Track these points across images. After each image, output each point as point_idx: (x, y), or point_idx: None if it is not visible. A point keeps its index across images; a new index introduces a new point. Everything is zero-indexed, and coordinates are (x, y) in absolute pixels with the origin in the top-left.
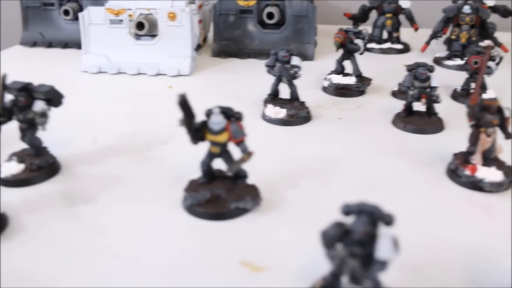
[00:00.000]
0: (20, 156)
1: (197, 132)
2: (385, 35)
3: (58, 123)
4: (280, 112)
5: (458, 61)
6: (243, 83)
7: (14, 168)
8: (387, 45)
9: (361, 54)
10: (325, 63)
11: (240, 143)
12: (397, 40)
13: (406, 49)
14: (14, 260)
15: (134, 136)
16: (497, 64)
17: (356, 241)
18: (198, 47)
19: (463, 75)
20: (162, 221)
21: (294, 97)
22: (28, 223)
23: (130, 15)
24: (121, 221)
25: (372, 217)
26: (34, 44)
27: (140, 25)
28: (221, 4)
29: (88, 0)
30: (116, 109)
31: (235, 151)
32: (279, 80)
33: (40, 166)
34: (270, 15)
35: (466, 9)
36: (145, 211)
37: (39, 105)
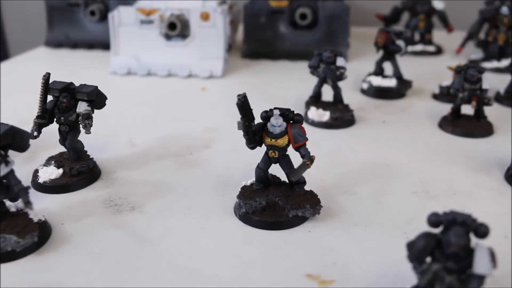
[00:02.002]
0: (58, 161)
1: (255, 135)
2: (417, 36)
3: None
4: (324, 115)
5: (495, 63)
6: (278, 85)
7: (53, 173)
8: (420, 47)
9: (402, 55)
10: (359, 65)
11: (301, 147)
12: (430, 42)
13: (439, 51)
14: (61, 272)
15: (172, 140)
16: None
17: (451, 255)
18: (228, 48)
19: (501, 78)
20: (216, 230)
21: (338, 99)
22: (72, 233)
23: (161, 16)
24: (172, 231)
25: (466, 228)
26: (59, 45)
27: (172, 26)
28: (253, 5)
29: (115, 0)
30: (150, 112)
31: (293, 156)
32: (323, 81)
33: (80, 171)
34: (303, 16)
35: (504, 10)
36: (196, 220)
37: (83, 107)
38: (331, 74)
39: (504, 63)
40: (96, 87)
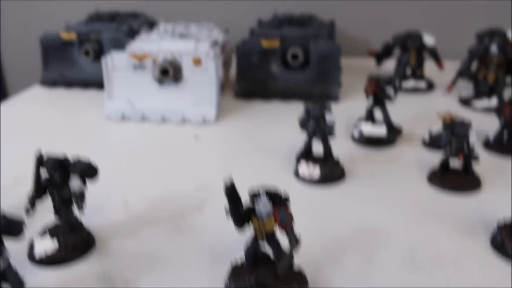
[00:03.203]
0: (53, 231)
1: (243, 217)
2: (408, 70)
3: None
4: (315, 171)
5: (486, 102)
6: (271, 131)
7: (49, 246)
8: (411, 82)
9: (392, 102)
10: (351, 104)
11: (287, 229)
12: (421, 77)
13: (430, 86)
14: None
15: (166, 201)
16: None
17: None
18: (222, 88)
19: (492, 118)
20: None
21: (328, 154)
22: None
23: (153, 59)
24: None
25: None
26: (54, 84)
27: (164, 72)
28: (244, 45)
29: (109, 41)
30: (144, 164)
31: None
32: (312, 137)
33: (75, 244)
34: (295, 56)
35: (494, 49)
36: None
37: (76, 184)
38: (320, 131)
39: (494, 101)
40: (89, 162)
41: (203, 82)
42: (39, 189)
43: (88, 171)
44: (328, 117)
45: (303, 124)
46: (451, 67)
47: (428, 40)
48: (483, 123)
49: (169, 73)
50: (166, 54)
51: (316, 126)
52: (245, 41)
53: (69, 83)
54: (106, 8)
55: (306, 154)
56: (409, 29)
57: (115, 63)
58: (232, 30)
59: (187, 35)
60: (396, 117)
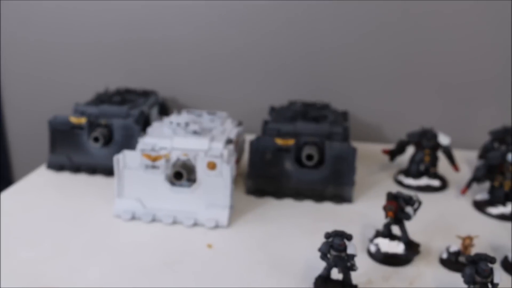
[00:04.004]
0: None
1: None
2: (422, 167)
3: None
4: None
5: (501, 208)
6: (287, 241)
7: None
8: (424, 180)
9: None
10: (365, 207)
11: None
12: (435, 175)
13: (444, 185)
14: None
15: None
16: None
17: None
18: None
19: (506, 227)
20: None
21: (347, 283)
22: None
23: (165, 156)
24: None
25: None
26: (61, 168)
27: (178, 175)
28: (258, 141)
29: (119, 128)
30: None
31: None
32: (332, 267)
33: None
34: (310, 157)
35: (510, 158)
36: None
37: None
38: (341, 264)
39: (509, 208)
40: None
41: (217, 186)
42: None
43: None
44: (350, 249)
45: (324, 255)
46: (465, 158)
47: (443, 140)
48: (503, 239)
49: (183, 176)
50: (179, 154)
51: (337, 259)
52: (259, 138)
53: (77, 168)
54: (115, 83)
55: (325, 280)
56: (424, 127)
57: (127, 162)
58: (243, 114)
59: (201, 130)
60: (411, 224)
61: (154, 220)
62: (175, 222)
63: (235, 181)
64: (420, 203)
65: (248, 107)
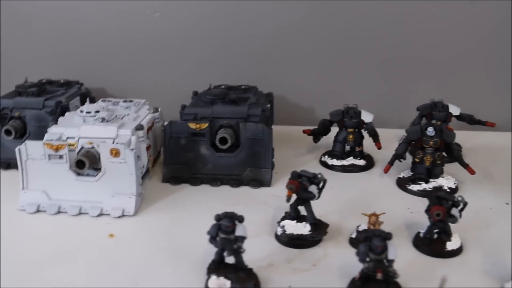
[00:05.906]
0: None
1: None
2: (347, 147)
3: None
4: (224, 286)
5: (423, 185)
6: (194, 226)
7: None
8: (350, 160)
9: (316, 199)
10: (284, 189)
11: None
12: (360, 155)
13: (369, 164)
14: None
15: None
16: (461, 210)
17: None
18: (146, 173)
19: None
20: None
21: (240, 266)
22: None
23: (71, 145)
24: None
25: None
26: None
27: (80, 163)
28: (172, 127)
29: (32, 119)
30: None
31: None
32: (222, 251)
33: None
34: (223, 140)
35: (430, 131)
36: None
37: None
38: (228, 247)
39: (431, 184)
40: None
41: (121, 173)
42: None
43: None
44: (239, 231)
45: (212, 238)
46: (390, 134)
47: (367, 117)
48: (419, 217)
49: (85, 165)
50: (84, 142)
51: (225, 241)
52: (172, 122)
53: None
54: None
55: (218, 264)
56: (347, 105)
57: (29, 153)
58: (174, 101)
59: (111, 118)
60: (325, 203)
61: (59, 211)
62: (81, 212)
63: (154, 169)
64: (325, 181)
65: (179, 95)
